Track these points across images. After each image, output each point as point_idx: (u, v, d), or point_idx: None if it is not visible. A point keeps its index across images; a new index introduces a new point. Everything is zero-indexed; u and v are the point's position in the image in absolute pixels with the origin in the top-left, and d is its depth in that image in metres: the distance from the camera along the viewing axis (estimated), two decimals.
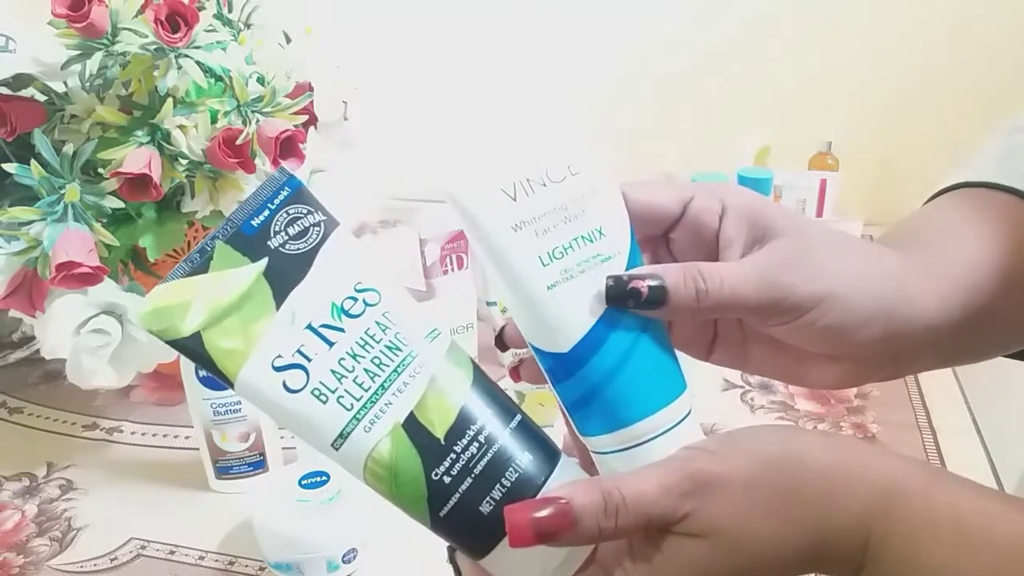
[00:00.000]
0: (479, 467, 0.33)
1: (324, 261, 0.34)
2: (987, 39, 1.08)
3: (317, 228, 0.34)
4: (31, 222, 0.59)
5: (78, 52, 0.62)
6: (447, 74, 1.20)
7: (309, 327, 0.33)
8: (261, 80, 0.68)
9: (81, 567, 0.62)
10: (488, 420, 0.34)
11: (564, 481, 0.34)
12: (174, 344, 0.33)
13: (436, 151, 1.13)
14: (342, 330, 0.33)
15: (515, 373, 0.40)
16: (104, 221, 0.62)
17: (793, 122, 1.14)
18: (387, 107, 0.82)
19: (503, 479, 0.34)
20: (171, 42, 0.60)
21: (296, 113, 0.67)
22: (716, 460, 0.31)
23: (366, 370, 0.33)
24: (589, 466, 0.37)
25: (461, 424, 0.34)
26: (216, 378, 0.33)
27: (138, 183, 0.61)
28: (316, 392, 0.33)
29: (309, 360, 0.33)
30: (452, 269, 0.85)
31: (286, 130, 0.64)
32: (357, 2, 1.12)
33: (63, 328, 0.62)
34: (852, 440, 0.36)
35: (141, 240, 0.67)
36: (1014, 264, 0.35)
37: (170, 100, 0.63)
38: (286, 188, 0.35)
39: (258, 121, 0.65)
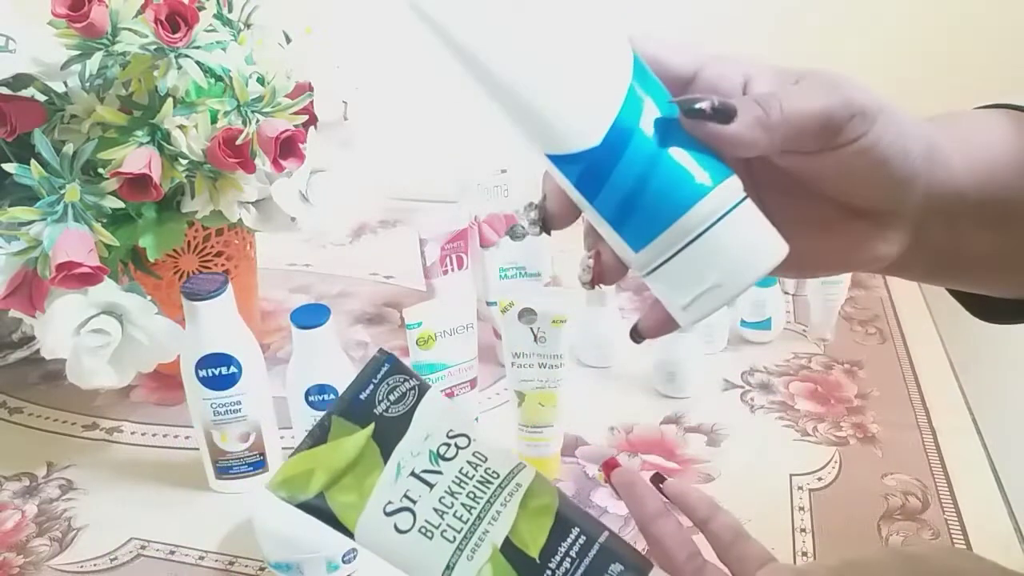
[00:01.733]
0: None
1: (420, 417, 0.39)
2: (987, 39, 1.08)
3: (412, 391, 0.40)
4: (31, 222, 0.59)
5: (78, 52, 0.62)
6: (447, 74, 1.20)
7: (412, 474, 0.38)
8: (261, 80, 0.68)
9: (81, 567, 0.62)
10: (577, 537, 0.37)
11: None
12: (302, 506, 0.37)
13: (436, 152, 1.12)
14: (440, 472, 0.38)
15: (597, 277, 0.35)
16: (104, 221, 0.62)
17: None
18: (387, 107, 0.82)
19: None
20: (171, 42, 0.60)
21: (296, 113, 0.67)
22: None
23: (463, 504, 0.37)
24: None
25: (553, 543, 0.37)
26: (338, 530, 0.37)
27: (138, 183, 0.61)
28: (423, 530, 0.37)
29: (415, 502, 0.37)
30: (452, 269, 0.85)
31: (286, 130, 0.64)
32: (357, 2, 1.12)
33: (63, 328, 0.62)
34: None
35: (141, 240, 0.67)
36: None
37: (170, 100, 0.63)
38: (386, 364, 0.41)
39: (258, 121, 0.65)
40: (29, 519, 0.66)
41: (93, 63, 0.62)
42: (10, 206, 0.60)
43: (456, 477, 0.38)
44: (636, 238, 0.31)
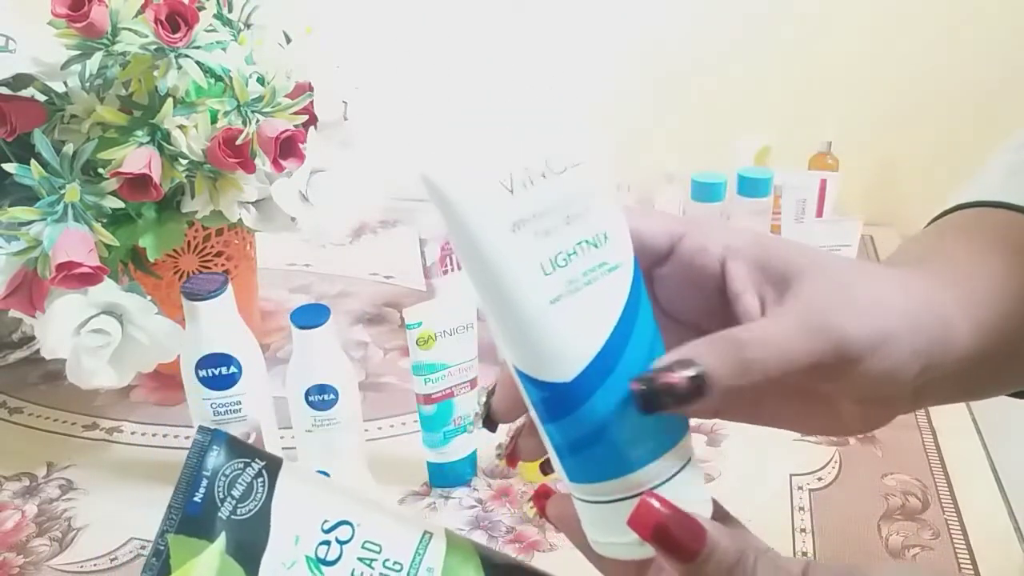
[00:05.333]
0: None
1: (280, 512, 0.31)
2: (986, 39, 1.08)
3: (260, 479, 0.32)
4: (31, 222, 0.59)
5: (78, 52, 0.62)
6: (447, 74, 1.20)
7: None
8: (261, 80, 0.68)
9: (81, 567, 0.62)
10: None
11: None
12: None
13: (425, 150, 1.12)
14: None
15: (512, 458, 0.34)
16: (104, 221, 0.62)
17: (793, 122, 1.14)
18: (387, 107, 0.82)
19: None
20: (171, 42, 0.60)
21: (296, 113, 0.67)
22: None
23: None
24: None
25: None
26: None
27: (138, 183, 0.61)
28: None
29: None
30: (452, 269, 0.85)
31: (286, 130, 0.64)
32: (357, 2, 1.12)
33: (63, 328, 0.62)
34: None
35: (141, 240, 0.67)
36: None
37: (170, 100, 0.63)
38: (213, 447, 0.32)
39: (258, 121, 0.65)
40: (29, 519, 0.66)
41: (93, 63, 0.62)
42: (10, 206, 0.60)
43: None
44: (576, 474, 0.30)
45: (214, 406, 0.64)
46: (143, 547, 0.63)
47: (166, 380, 0.81)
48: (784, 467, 0.69)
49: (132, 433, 0.77)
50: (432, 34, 1.20)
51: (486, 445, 0.69)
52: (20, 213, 0.59)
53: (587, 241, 0.28)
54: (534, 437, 0.32)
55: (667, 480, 0.29)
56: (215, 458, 0.32)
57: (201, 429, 0.33)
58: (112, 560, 0.62)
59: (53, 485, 0.70)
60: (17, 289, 0.61)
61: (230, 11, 0.72)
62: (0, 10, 0.63)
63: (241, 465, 0.32)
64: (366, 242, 1.14)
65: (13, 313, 0.63)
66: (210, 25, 0.64)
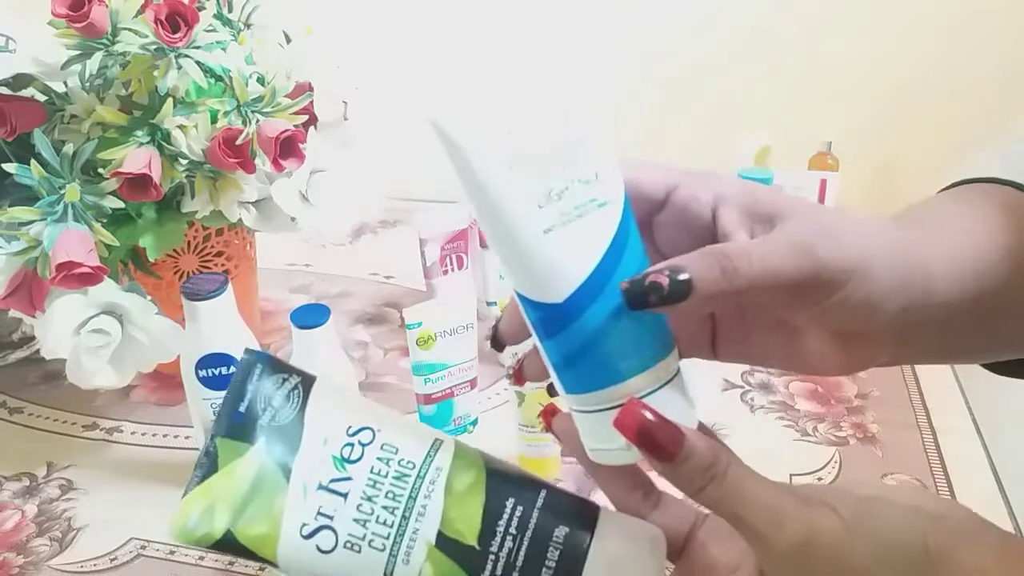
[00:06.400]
0: (520, 559, 0.34)
1: (312, 420, 0.36)
2: (987, 39, 1.08)
3: (296, 391, 0.36)
4: (31, 222, 0.59)
5: (78, 52, 0.62)
6: (447, 74, 1.20)
7: (320, 487, 0.35)
8: (261, 80, 0.68)
9: (81, 567, 0.62)
10: (514, 508, 0.35)
11: (608, 536, 0.35)
12: (214, 547, 0.34)
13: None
14: (350, 478, 0.35)
15: (518, 377, 0.38)
16: (104, 221, 0.62)
17: (793, 122, 1.14)
18: (387, 107, 0.82)
19: (547, 561, 0.34)
20: (171, 42, 0.60)
21: (296, 113, 0.67)
22: (842, 532, 0.30)
23: (384, 507, 0.34)
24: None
25: (489, 523, 0.34)
26: (261, 563, 0.35)
27: (138, 183, 0.61)
28: (348, 544, 0.34)
29: (331, 518, 0.34)
30: (452, 269, 0.85)
31: (286, 130, 0.64)
32: (357, 2, 1.12)
33: (63, 328, 0.62)
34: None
35: (141, 240, 0.67)
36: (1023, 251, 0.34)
37: (170, 100, 0.63)
38: (257, 365, 0.37)
39: (258, 121, 0.65)
40: (29, 519, 0.66)
41: (93, 63, 0.62)
42: (10, 206, 0.60)
43: (369, 479, 0.35)
44: (570, 385, 0.33)
45: (214, 406, 0.64)
46: (143, 547, 0.63)
47: (166, 380, 0.81)
48: (784, 467, 0.69)
49: (132, 433, 0.77)
50: (432, 34, 1.20)
51: (486, 445, 0.69)
52: (20, 213, 0.59)
53: (579, 180, 0.31)
54: (537, 359, 0.35)
55: (652, 392, 0.32)
56: (258, 374, 0.36)
57: (247, 350, 0.37)
58: (112, 560, 0.62)
59: (53, 485, 0.70)
60: (17, 289, 0.61)
61: (230, 11, 0.72)
62: (0, 10, 0.63)
63: (280, 380, 0.36)
64: (366, 242, 1.14)
65: (13, 313, 0.63)
66: (210, 25, 0.64)
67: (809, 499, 0.31)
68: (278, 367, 0.37)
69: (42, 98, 0.65)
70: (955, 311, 0.33)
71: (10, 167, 0.59)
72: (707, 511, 0.34)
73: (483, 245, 0.84)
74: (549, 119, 0.31)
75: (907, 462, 0.70)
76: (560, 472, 0.69)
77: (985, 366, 0.40)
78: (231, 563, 0.61)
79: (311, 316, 0.61)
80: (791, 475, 0.68)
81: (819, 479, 0.68)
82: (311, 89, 0.70)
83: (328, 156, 0.71)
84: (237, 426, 0.35)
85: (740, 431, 0.74)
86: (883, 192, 1.18)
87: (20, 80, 0.63)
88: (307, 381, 0.37)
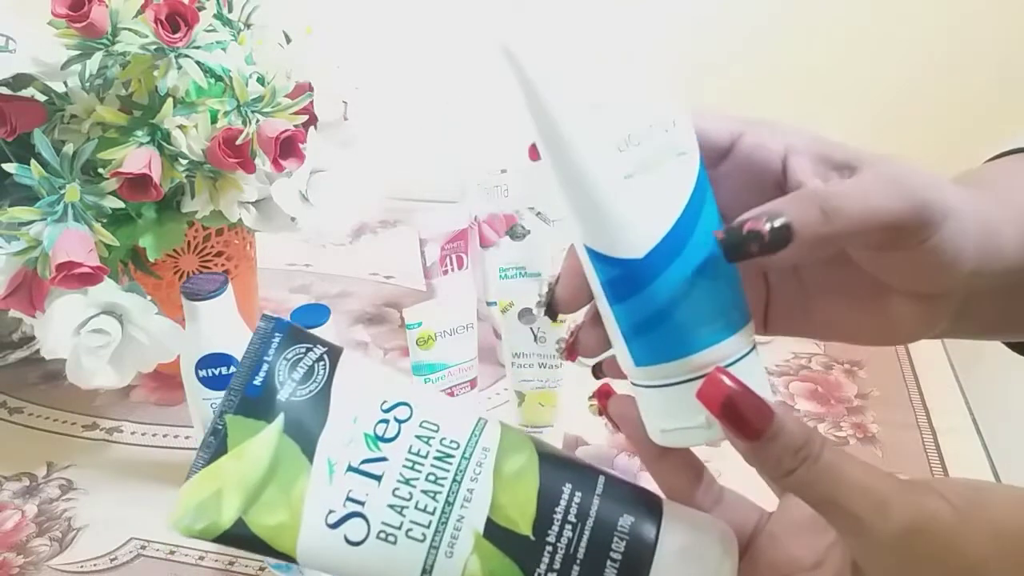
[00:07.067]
0: (581, 550, 0.30)
1: (340, 394, 0.31)
2: (987, 39, 1.08)
3: (321, 363, 0.32)
4: (31, 222, 0.59)
5: (78, 52, 0.62)
6: (448, 74, 1.20)
7: (350, 469, 0.30)
8: (261, 80, 0.68)
9: (81, 567, 0.62)
10: (572, 495, 0.31)
11: (676, 529, 0.31)
12: (221, 539, 0.30)
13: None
14: (385, 459, 0.30)
15: (571, 351, 0.34)
16: (104, 221, 0.62)
17: (793, 122, 1.14)
18: (387, 107, 0.82)
19: (612, 553, 0.30)
20: (171, 42, 0.60)
21: (296, 113, 0.67)
22: (956, 521, 0.27)
23: (424, 491, 0.30)
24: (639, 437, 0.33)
25: (545, 511, 0.30)
26: (274, 558, 0.30)
27: (138, 183, 0.61)
28: (382, 535, 0.30)
29: (363, 504, 0.30)
30: (452, 269, 0.85)
31: (286, 130, 0.64)
32: (357, 2, 1.12)
33: (63, 328, 0.62)
34: None
35: (141, 240, 0.67)
36: None
37: (170, 100, 0.63)
38: (276, 334, 0.32)
39: (258, 121, 0.65)
40: (29, 519, 0.66)
41: (93, 63, 0.62)
42: (10, 206, 0.60)
43: (407, 460, 0.30)
44: (642, 355, 0.30)
45: (214, 406, 0.64)
46: (143, 547, 0.63)
47: (166, 380, 0.81)
48: None
49: (132, 433, 0.77)
50: (432, 34, 1.20)
51: None
52: (20, 213, 0.59)
53: (658, 125, 0.29)
54: (594, 331, 0.32)
55: (734, 362, 0.30)
56: (277, 344, 0.32)
57: (265, 317, 0.33)
58: (112, 560, 0.62)
59: (53, 485, 0.70)
60: (17, 289, 0.61)
61: (230, 11, 0.72)
62: (0, 10, 0.63)
63: (303, 350, 0.32)
64: (366, 242, 1.14)
65: (13, 313, 0.63)
66: (210, 25, 0.64)
67: (915, 485, 0.28)
68: (300, 336, 0.33)
69: (42, 98, 0.65)
70: (1017, 278, 0.31)
71: (10, 167, 0.59)
72: (772, 509, 0.32)
73: (483, 245, 0.84)
74: (631, 59, 0.29)
75: (907, 462, 0.70)
76: None
77: (1010, 346, 0.39)
78: (231, 563, 0.61)
79: (311, 316, 0.61)
80: None
81: None
82: (311, 89, 0.70)
83: (328, 156, 0.71)
84: (252, 401, 0.31)
85: None
86: None
87: (20, 80, 0.63)
88: (334, 352, 0.33)
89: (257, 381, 0.31)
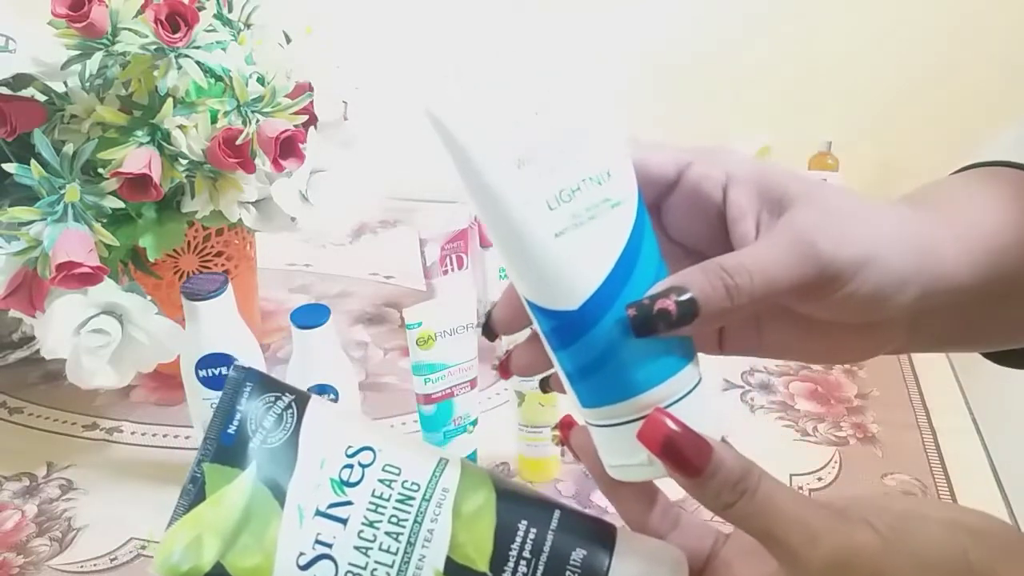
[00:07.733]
0: None
1: (307, 440, 0.34)
2: (986, 38, 1.08)
3: (289, 411, 0.34)
4: (31, 222, 0.59)
5: (78, 52, 0.62)
6: (447, 74, 1.20)
7: (318, 513, 0.32)
8: (261, 80, 0.68)
9: (81, 567, 0.62)
10: (527, 531, 0.33)
11: (628, 560, 0.33)
12: None
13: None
14: (350, 502, 0.33)
15: (504, 369, 0.36)
16: (104, 221, 0.62)
17: (793, 122, 1.14)
18: (387, 107, 0.82)
19: None
20: (171, 42, 0.60)
21: (296, 113, 0.67)
22: (881, 549, 0.29)
23: (387, 533, 0.32)
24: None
25: (501, 548, 0.32)
26: None
27: (138, 183, 0.61)
28: (349, 575, 0.32)
29: (330, 546, 0.32)
30: (452, 269, 0.85)
31: (286, 130, 0.64)
32: (357, 2, 1.12)
33: (63, 328, 0.62)
34: None
35: (141, 240, 0.67)
36: None
37: (170, 100, 0.63)
38: (247, 383, 0.35)
39: (258, 121, 0.65)
40: (29, 519, 0.66)
41: (93, 63, 0.62)
42: (10, 206, 0.60)
43: (370, 503, 0.32)
44: (588, 398, 0.31)
45: (214, 406, 0.64)
46: (143, 547, 0.63)
47: (166, 380, 0.81)
48: (784, 467, 0.69)
49: (132, 433, 0.77)
50: (432, 34, 1.20)
51: (486, 445, 0.69)
52: (20, 213, 0.59)
53: (591, 178, 0.29)
54: (529, 351, 0.34)
55: (675, 402, 0.30)
56: (248, 393, 0.34)
57: (235, 367, 0.35)
58: (112, 560, 0.62)
59: (53, 485, 0.70)
60: (17, 289, 0.61)
61: (230, 11, 0.72)
62: (0, 10, 0.63)
63: (272, 399, 0.34)
64: (366, 242, 1.14)
65: (13, 313, 0.63)
66: (210, 25, 0.64)
67: (845, 514, 0.30)
68: (269, 385, 0.35)
69: (42, 98, 0.65)
70: (968, 296, 0.32)
71: (10, 167, 0.59)
72: (729, 530, 0.33)
73: (483, 245, 0.84)
74: (558, 112, 0.29)
75: (907, 462, 0.70)
76: (560, 472, 0.69)
77: (986, 356, 0.39)
78: None
79: (311, 316, 0.61)
80: (791, 475, 0.68)
81: (819, 479, 0.68)
82: (311, 89, 0.70)
83: (328, 156, 0.71)
84: (226, 449, 0.33)
85: (740, 431, 0.74)
86: (883, 192, 1.17)
87: (20, 80, 0.63)
88: (301, 399, 0.35)
89: (231, 430, 0.33)
